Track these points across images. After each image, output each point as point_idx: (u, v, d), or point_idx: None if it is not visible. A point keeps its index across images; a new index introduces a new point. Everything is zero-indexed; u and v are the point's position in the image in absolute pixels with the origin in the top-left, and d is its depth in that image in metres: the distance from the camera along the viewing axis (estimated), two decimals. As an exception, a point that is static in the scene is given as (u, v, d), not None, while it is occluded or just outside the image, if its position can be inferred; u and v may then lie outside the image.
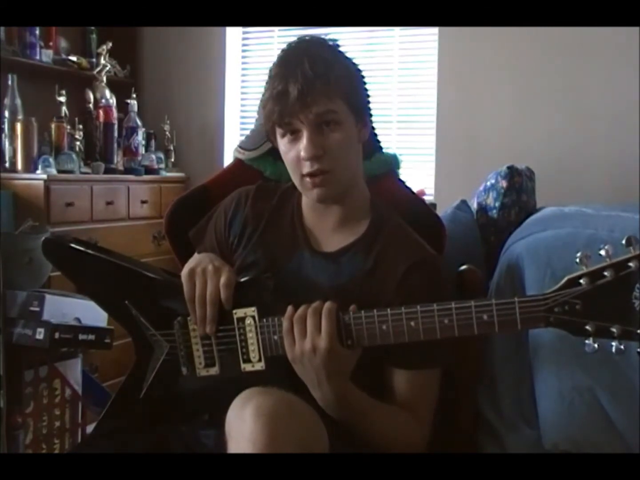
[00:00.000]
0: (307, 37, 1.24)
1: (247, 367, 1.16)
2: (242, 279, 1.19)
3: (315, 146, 1.16)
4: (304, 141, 1.17)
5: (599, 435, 1.36)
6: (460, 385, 1.41)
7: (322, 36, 1.25)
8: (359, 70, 1.25)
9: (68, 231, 2.58)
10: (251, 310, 1.16)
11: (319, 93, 1.15)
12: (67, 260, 1.31)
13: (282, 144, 1.22)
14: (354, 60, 1.25)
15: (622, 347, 0.97)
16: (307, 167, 1.18)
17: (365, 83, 1.26)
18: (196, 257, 1.31)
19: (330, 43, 1.23)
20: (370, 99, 1.27)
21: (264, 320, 1.15)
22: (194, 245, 1.39)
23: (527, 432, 1.43)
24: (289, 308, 1.11)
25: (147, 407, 1.24)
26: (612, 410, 1.35)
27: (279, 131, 1.21)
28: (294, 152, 1.19)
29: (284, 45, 1.23)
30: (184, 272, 1.19)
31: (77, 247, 1.29)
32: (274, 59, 1.22)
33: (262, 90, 1.23)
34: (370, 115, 1.30)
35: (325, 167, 1.18)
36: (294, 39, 1.24)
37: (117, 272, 1.28)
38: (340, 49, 1.24)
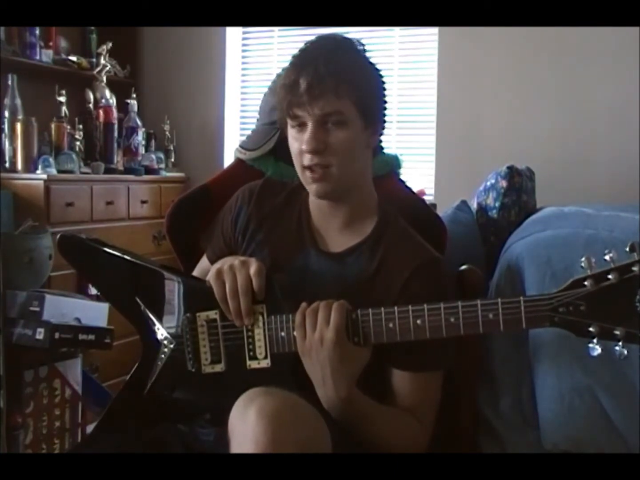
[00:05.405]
0: (331, 35, 1.24)
1: (252, 364, 1.17)
2: None
3: (317, 140, 1.17)
4: (307, 134, 1.18)
5: (599, 435, 1.36)
6: (460, 385, 1.41)
7: (348, 37, 1.24)
8: (379, 77, 1.24)
9: (68, 231, 2.58)
10: (260, 307, 1.16)
11: (327, 91, 1.15)
12: (82, 257, 1.33)
13: (290, 134, 1.23)
14: (377, 66, 1.24)
15: (625, 351, 0.97)
16: (307, 160, 1.19)
17: (383, 89, 1.25)
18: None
19: (355, 44, 1.22)
20: (386, 107, 1.26)
21: (272, 317, 1.15)
22: (203, 249, 1.39)
23: (527, 432, 1.43)
24: (303, 304, 1.13)
25: (150, 404, 1.24)
26: (612, 410, 1.35)
27: (288, 122, 1.22)
28: (298, 143, 1.20)
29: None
30: (211, 274, 1.20)
31: (92, 244, 1.31)
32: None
33: (263, 88, 1.23)
34: (384, 122, 1.28)
35: (324, 162, 1.18)
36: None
37: (129, 268, 1.29)
38: (367, 52, 1.23)
